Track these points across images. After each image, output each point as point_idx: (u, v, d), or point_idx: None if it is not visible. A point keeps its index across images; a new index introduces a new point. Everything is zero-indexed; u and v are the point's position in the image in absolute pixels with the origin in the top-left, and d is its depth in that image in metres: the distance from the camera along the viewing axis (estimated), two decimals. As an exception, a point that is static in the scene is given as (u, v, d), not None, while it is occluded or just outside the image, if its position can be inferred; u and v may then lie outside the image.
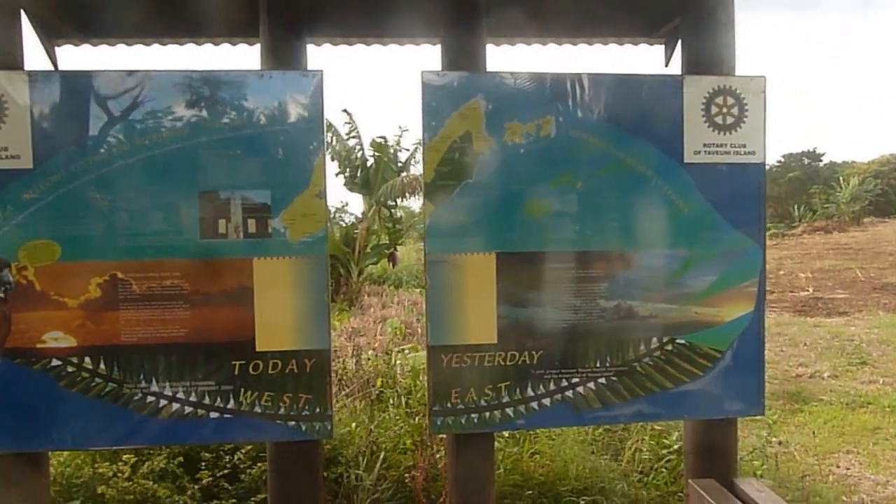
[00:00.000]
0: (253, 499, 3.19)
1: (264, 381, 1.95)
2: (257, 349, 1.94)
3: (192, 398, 1.94)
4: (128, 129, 1.89)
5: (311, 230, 1.95)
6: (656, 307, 2.10)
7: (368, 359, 5.67)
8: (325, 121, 1.95)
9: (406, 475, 3.62)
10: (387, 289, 14.71)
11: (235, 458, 3.29)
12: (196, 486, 3.07)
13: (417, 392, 4.90)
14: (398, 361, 5.68)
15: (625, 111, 2.08)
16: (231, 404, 1.94)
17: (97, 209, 1.88)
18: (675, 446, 3.83)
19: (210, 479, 3.13)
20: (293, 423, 1.96)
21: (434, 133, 2.00)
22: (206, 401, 1.94)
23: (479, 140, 2.00)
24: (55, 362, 1.89)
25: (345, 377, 4.89)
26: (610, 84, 2.07)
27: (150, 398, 1.93)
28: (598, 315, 2.07)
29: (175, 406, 1.93)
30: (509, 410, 2.04)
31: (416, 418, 4.15)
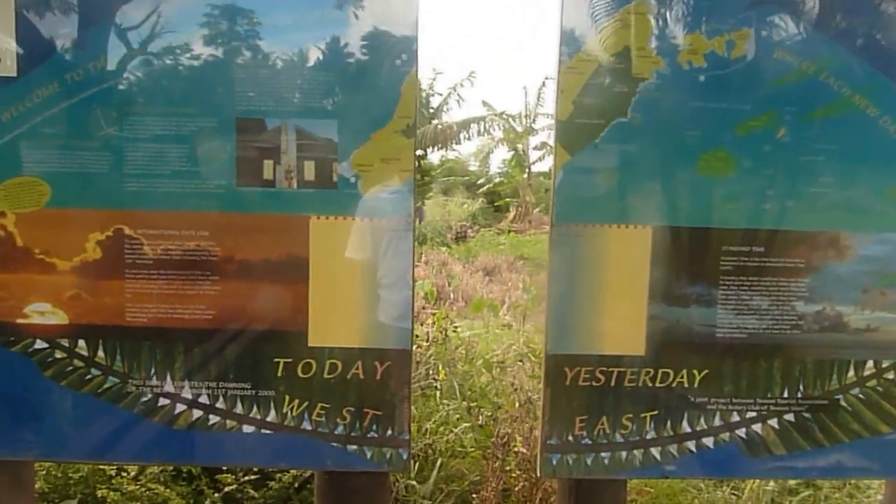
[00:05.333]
0: (284, 512, 2.93)
1: (318, 388, 1.60)
2: (310, 344, 1.58)
3: (220, 404, 1.60)
4: (144, 27, 1.52)
5: (393, 183, 1.56)
6: (877, 317, 1.65)
7: (419, 337, 5.37)
8: (419, 25, 1.54)
9: (472, 495, 3.32)
10: (410, 245, 14.88)
11: (264, 459, 3.03)
12: (216, 494, 2.82)
13: (474, 379, 4.61)
14: (450, 336, 5.40)
15: (860, 28, 1.58)
16: (271, 416, 1.60)
17: (100, 138, 1.51)
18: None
19: (234, 484, 2.88)
20: (354, 446, 1.61)
21: (576, 48, 1.55)
22: (239, 409, 1.60)
23: (642, 60, 1.55)
24: (40, 344, 1.57)
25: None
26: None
27: (164, 400, 1.60)
28: (793, 323, 1.63)
29: (196, 413, 1.60)
30: (655, 451, 1.64)
31: (481, 418, 3.85)
